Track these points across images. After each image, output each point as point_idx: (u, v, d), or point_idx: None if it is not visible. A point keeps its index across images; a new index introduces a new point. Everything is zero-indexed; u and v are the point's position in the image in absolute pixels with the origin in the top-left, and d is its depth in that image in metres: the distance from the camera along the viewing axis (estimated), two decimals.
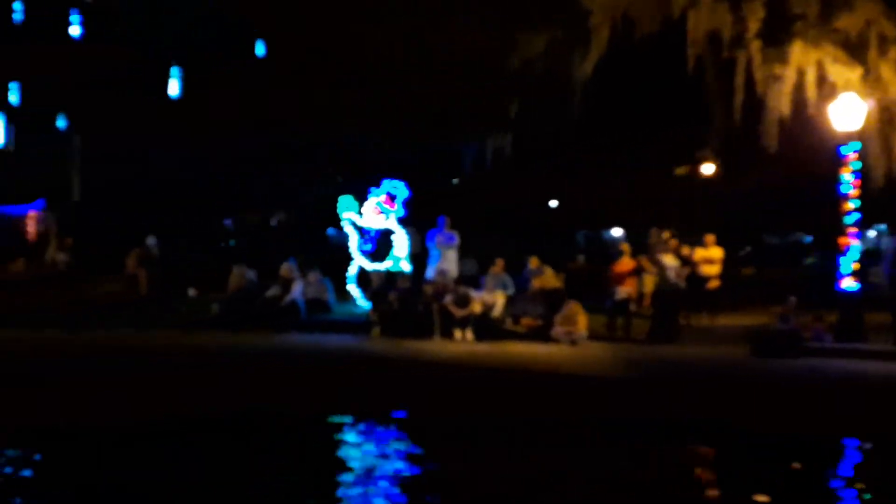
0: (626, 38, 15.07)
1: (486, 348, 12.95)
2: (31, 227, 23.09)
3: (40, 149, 19.11)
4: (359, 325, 14.54)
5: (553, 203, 27.79)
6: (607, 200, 25.24)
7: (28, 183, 19.59)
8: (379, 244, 16.98)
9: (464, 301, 13.91)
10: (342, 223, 17.10)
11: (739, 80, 14.80)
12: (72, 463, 7.75)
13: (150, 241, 16.04)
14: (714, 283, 15.65)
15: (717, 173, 23.70)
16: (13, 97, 18.16)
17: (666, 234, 14.91)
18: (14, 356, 11.39)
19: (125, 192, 19.37)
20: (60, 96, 18.29)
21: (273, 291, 14.84)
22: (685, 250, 15.01)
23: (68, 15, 17.02)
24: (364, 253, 16.97)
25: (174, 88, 16.90)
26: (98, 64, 16.98)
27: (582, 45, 15.34)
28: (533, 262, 15.90)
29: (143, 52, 17.20)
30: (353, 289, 16.94)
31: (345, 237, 17.32)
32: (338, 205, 16.96)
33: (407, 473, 7.49)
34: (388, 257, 16.94)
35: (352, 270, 16.96)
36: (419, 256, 17.23)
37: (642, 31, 14.95)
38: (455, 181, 21.98)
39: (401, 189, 16.94)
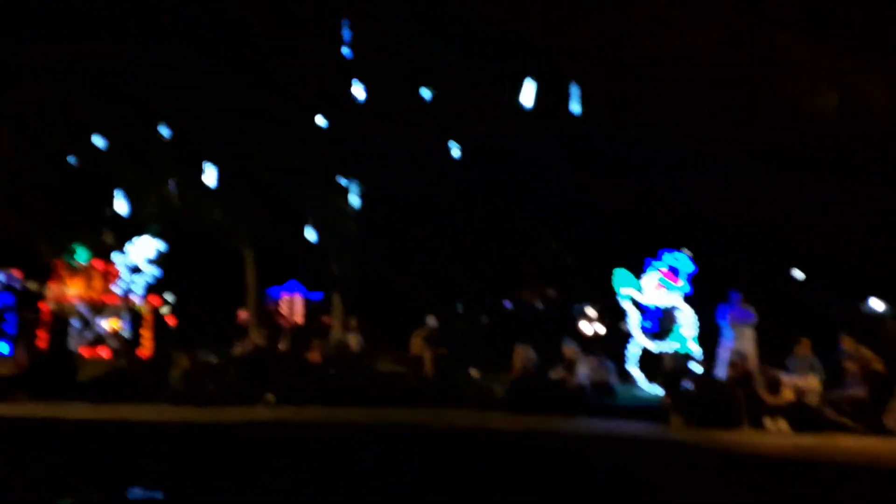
0: None
1: (810, 441, 11.54)
2: (291, 309, 24.93)
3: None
4: (651, 410, 13.68)
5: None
6: None
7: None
8: (662, 323, 16.18)
9: (775, 386, 12.65)
10: (620, 299, 16.51)
11: None
12: None
13: (431, 321, 16.32)
14: None
15: None
16: None
17: None
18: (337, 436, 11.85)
19: (401, 269, 20.06)
20: None
21: (557, 373, 14.41)
22: None
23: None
24: (646, 332, 16.22)
25: None
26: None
27: None
28: (846, 343, 14.25)
29: None
30: (634, 371, 16.19)
31: (622, 315, 16.68)
32: (614, 279, 16.42)
33: None
34: (672, 337, 16.06)
35: (633, 351, 16.26)
36: (707, 335, 16.17)
37: None
38: None
39: (684, 262, 16.08)
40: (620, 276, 16.31)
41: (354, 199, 18.51)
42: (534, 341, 14.80)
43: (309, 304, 24.59)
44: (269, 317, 20.49)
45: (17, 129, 17.49)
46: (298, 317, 24.89)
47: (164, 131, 17.64)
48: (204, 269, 21.71)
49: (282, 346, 15.73)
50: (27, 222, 19.09)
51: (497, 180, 18.53)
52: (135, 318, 18.52)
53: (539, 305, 18.79)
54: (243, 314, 23.20)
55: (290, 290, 25.74)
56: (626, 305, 16.35)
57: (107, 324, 18.18)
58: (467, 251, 19.66)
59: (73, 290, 18.26)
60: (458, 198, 18.55)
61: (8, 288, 18.42)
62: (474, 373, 15.36)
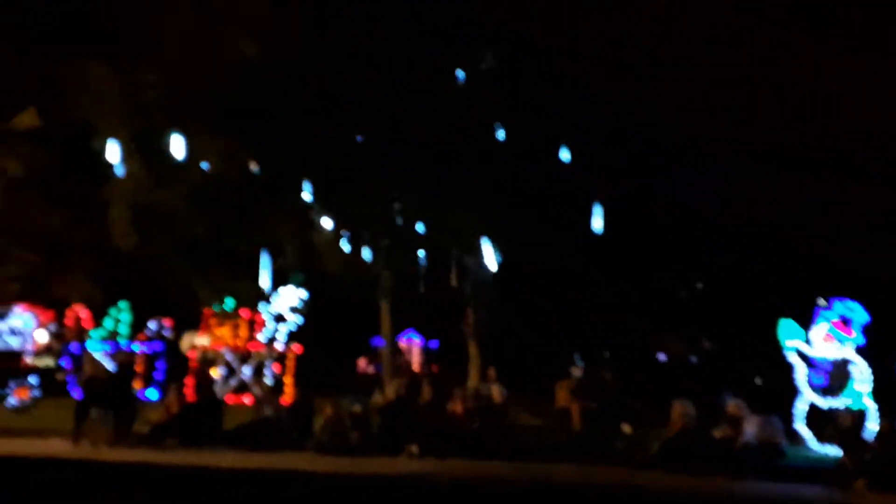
0: None
1: None
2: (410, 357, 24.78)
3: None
4: (826, 472, 12.48)
5: None
6: None
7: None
8: (832, 377, 14.93)
9: None
10: (785, 352, 15.38)
11: None
12: None
13: (577, 371, 15.68)
14: None
15: None
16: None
17: None
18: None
19: (540, 317, 19.62)
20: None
21: (721, 430, 13.41)
22: None
23: None
24: (814, 387, 15.00)
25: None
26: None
27: None
28: None
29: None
30: (802, 429, 14.96)
31: (786, 368, 15.50)
32: (778, 331, 15.34)
33: None
34: (845, 393, 14.77)
35: (800, 408, 15.05)
36: (882, 390, 14.78)
37: None
38: None
39: (858, 312, 14.84)
40: (786, 326, 15.25)
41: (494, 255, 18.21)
42: (692, 396, 13.88)
43: (428, 353, 24.52)
44: (405, 366, 20.29)
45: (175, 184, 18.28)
46: (416, 365, 24.84)
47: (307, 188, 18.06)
48: (334, 317, 21.97)
49: (424, 395, 15.45)
50: (178, 272, 19.82)
51: (643, 229, 17.99)
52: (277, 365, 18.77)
53: (693, 358, 17.79)
54: (363, 363, 23.29)
55: (409, 338, 25.85)
56: (793, 358, 15.23)
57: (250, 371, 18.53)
58: (611, 299, 18.96)
59: (220, 339, 18.77)
60: (601, 246, 18.00)
61: (158, 336, 19.08)
62: (626, 427, 14.55)
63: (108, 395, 15.58)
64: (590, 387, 15.37)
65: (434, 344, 24.92)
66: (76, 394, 18.51)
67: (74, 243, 22.53)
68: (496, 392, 15.18)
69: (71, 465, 13.81)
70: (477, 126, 17.01)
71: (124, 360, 17.39)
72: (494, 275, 19.02)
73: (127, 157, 18.07)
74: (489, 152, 16.93)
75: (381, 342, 22.46)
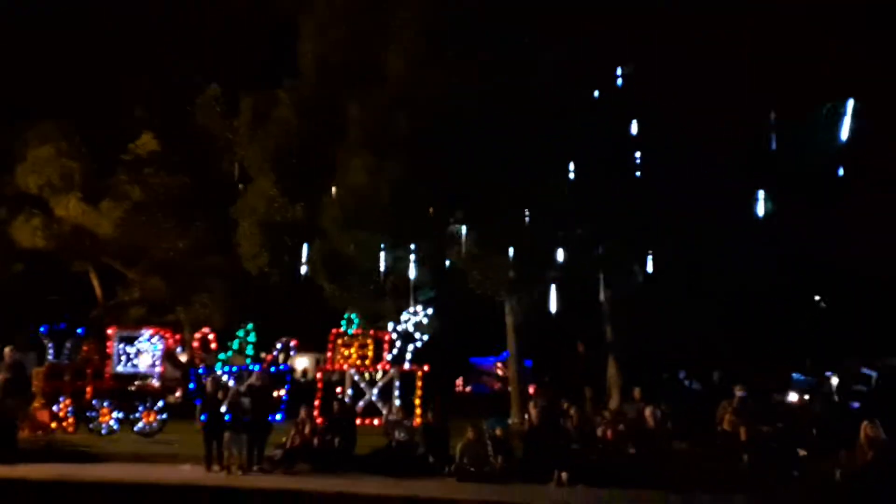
0: None
1: None
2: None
3: None
4: None
5: None
6: None
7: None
8: None
9: None
10: None
11: None
12: None
13: (739, 391, 14.32)
14: None
15: None
16: None
17: None
18: None
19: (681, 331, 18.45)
20: None
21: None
22: None
23: None
24: None
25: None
26: None
27: None
28: None
29: None
30: None
31: None
32: None
33: None
34: None
35: None
36: None
37: None
38: None
39: None
40: None
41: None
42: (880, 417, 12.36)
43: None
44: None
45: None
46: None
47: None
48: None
49: (574, 419, 14.40)
50: (310, 293, 19.55)
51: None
52: (406, 385, 18.06)
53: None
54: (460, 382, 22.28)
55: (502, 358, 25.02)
56: None
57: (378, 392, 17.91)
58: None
59: (347, 359, 18.26)
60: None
61: (285, 357, 18.71)
62: (801, 452, 13.11)
63: (239, 418, 15.13)
64: (757, 408, 13.99)
65: (528, 363, 23.90)
66: (204, 417, 18.35)
67: (201, 267, 22.68)
68: (649, 415, 13.98)
69: (206, 491, 13.45)
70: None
71: (255, 382, 16.96)
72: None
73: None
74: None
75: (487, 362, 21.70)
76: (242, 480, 14.21)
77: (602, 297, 17.86)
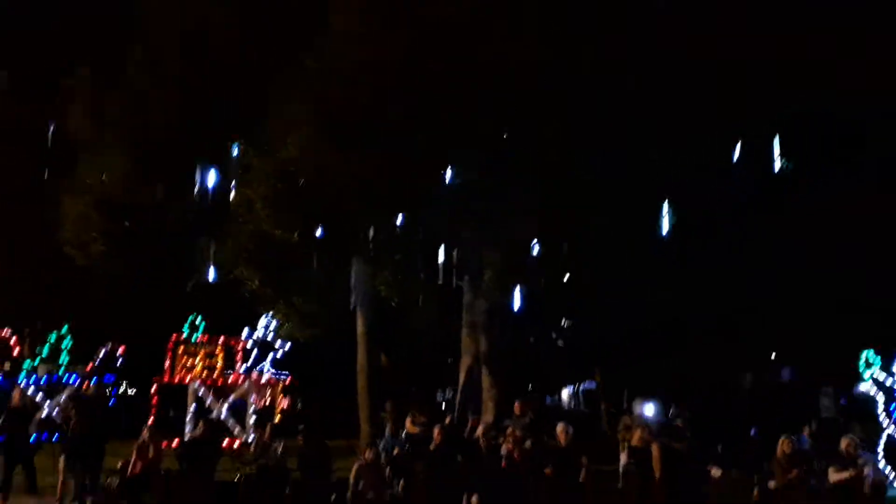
0: None
1: None
2: None
3: None
4: None
5: None
6: None
7: None
8: None
9: None
10: (863, 382, 14.49)
11: None
12: None
13: (637, 405, 14.12)
14: None
15: None
16: None
17: None
18: None
19: None
20: None
21: (837, 472, 12.13)
22: None
23: None
24: None
25: None
26: None
27: None
28: None
29: None
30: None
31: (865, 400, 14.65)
32: (860, 361, 14.44)
33: None
34: None
35: (882, 440, 14.16)
36: None
37: None
38: None
39: None
40: (867, 356, 14.40)
41: None
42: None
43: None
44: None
45: None
46: None
47: None
48: None
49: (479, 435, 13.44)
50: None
51: None
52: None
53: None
54: None
55: None
56: (870, 388, 14.36)
57: None
58: None
59: (190, 370, 15.95)
60: None
61: (111, 365, 16.09)
62: (715, 472, 13.08)
63: (77, 442, 12.62)
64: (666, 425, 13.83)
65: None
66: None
67: None
68: (561, 431, 13.19)
69: None
70: None
71: (85, 393, 14.32)
72: None
73: None
74: None
75: None
76: None
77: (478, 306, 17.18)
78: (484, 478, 12.50)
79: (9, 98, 18.43)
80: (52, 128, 16.27)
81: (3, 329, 15.90)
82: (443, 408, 17.78)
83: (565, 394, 23.25)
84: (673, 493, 12.56)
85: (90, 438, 12.80)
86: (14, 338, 15.78)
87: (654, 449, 13.30)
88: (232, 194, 15.63)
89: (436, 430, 13.22)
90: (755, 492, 12.59)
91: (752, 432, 15.42)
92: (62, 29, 17.92)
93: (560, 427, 13.50)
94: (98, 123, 15.85)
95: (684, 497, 12.46)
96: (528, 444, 13.24)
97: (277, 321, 16.44)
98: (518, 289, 16.13)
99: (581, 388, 25.23)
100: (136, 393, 15.75)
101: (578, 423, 13.94)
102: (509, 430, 13.50)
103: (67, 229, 16.32)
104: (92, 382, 15.50)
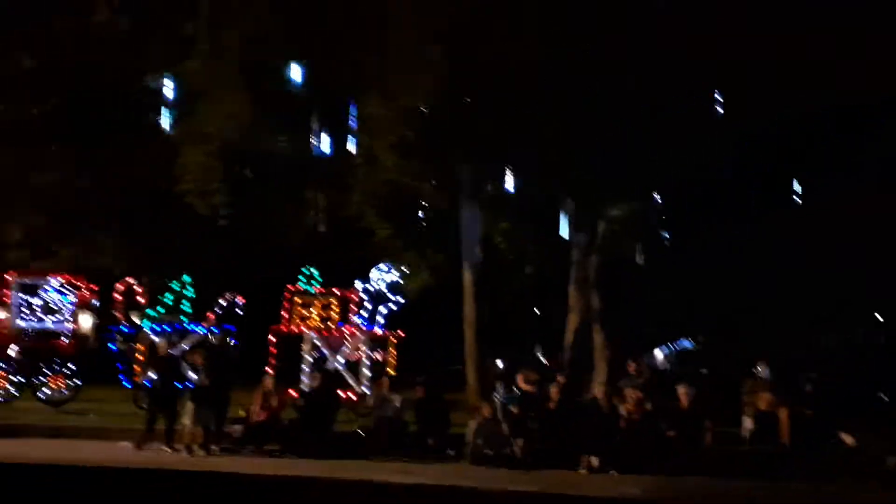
0: None
1: None
2: None
3: None
4: None
5: None
6: None
7: None
8: None
9: None
10: None
11: None
12: None
13: (762, 368, 13.65)
14: None
15: None
16: None
17: None
18: None
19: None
20: None
21: None
22: None
23: None
24: None
25: None
26: None
27: None
28: None
29: None
30: None
31: None
32: None
33: None
34: None
35: None
36: None
37: None
38: None
39: None
40: None
41: None
42: None
43: None
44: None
45: None
46: None
47: None
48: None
49: (598, 395, 13.31)
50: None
51: None
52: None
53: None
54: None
55: None
56: None
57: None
58: None
59: (306, 320, 16.16)
60: None
61: (231, 315, 16.53)
62: (847, 438, 12.57)
63: (201, 388, 13.06)
64: (793, 389, 13.36)
65: None
66: (134, 384, 15.97)
67: (105, 202, 19.45)
68: (683, 394, 13.01)
69: (180, 477, 11.32)
70: None
71: (213, 342, 14.76)
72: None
73: None
74: None
75: None
76: (212, 462, 12.21)
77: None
78: (604, 439, 12.44)
79: (127, 45, 18.68)
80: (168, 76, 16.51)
81: (125, 279, 16.46)
82: (547, 365, 17.54)
83: (659, 354, 22.63)
84: (801, 460, 12.29)
85: (217, 387, 13.23)
86: (140, 287, 16.34)
87: (783, 413, 13.06)
88: (350, 144, 15.69)
89: (553, 389, 13.12)
90: (893, 461, 11.99)
91: (884, 397, 14.78)
92: None
93: (682, 389, 13.25)
94: (219, 71, 15.93)
95: (813, 464, 12.16)
96: (648, 405, 13.09)
97: (399, 273, 16.39)
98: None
99: (676, 347, 24.66)
100: (251, 343, 16.06)
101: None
102: (628, 391, 13.31)
103: (188, 178, 16.69)
104: (215, 332, 15.96)
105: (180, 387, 13.37)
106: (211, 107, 16.21)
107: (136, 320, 16.18)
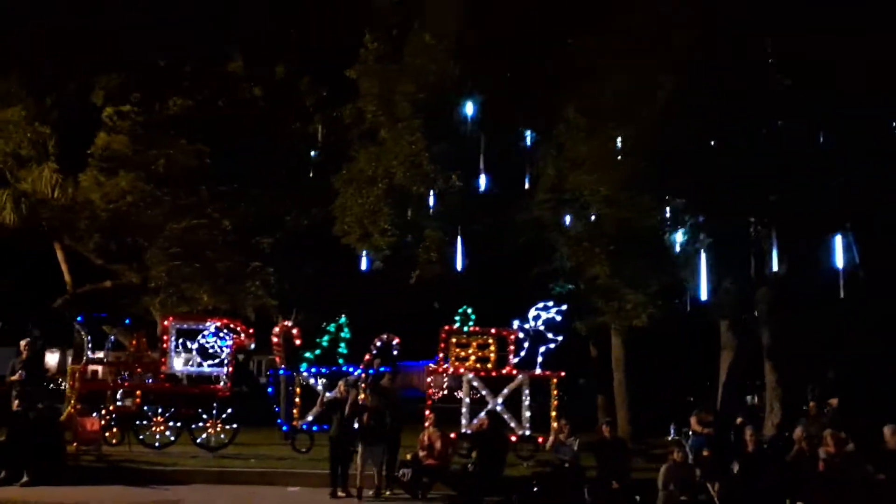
0: None
1: None
2: None
3: None
4: None
5: None
6: None
7: None
8: None
9: None
10: None
11: None
12: None
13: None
14: None
15: None
16: None
17: None
18: None
19: None
20: None
21: None
22: None
23: None
24: None
25: None
26: None
27: None
28: None
29: None
30: None
31: None
32: None
33: None
34: None
35: None
36: None
37: None
38: None
39: None
40: None
41: None
42: None
43: None
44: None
45: None
46: None
47: None
48: None
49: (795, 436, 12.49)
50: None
51: None
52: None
53: None
54: None
55: None
56: None
57: None
58: None
59: (464, 361, 15.83)
60: None
61: (386, 357, 16.36)
62: None
63: (371, 430, 12.80)
64: None
65: None
66: (291, 427, 15.89)
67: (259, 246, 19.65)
68: (890, 434, 11.98)
69: None
70: None
71: (386, 384, 14.45)
72: None
73: None
74: None
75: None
76: None
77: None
78: (808, 483, 11.57)
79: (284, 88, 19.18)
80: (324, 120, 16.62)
81: (283, 322, 16.48)
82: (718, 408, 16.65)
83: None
84: None
85: (386, 429, 12.97)
86: (296, 329, 16.34)
87: None
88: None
89: (748, 433, 12.34)
90: None
91: None
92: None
93: (888, 429, 12.25)
94: (388, 109, 15.89)
95: None
96: (850, 446, 12.15)
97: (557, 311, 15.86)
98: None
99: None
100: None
101: None
102: (827, 432, 12.40)
103: (347, 221, 16.62)
104: (370, 373, 15.76)
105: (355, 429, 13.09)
106: (383, 148, 16.20)
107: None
